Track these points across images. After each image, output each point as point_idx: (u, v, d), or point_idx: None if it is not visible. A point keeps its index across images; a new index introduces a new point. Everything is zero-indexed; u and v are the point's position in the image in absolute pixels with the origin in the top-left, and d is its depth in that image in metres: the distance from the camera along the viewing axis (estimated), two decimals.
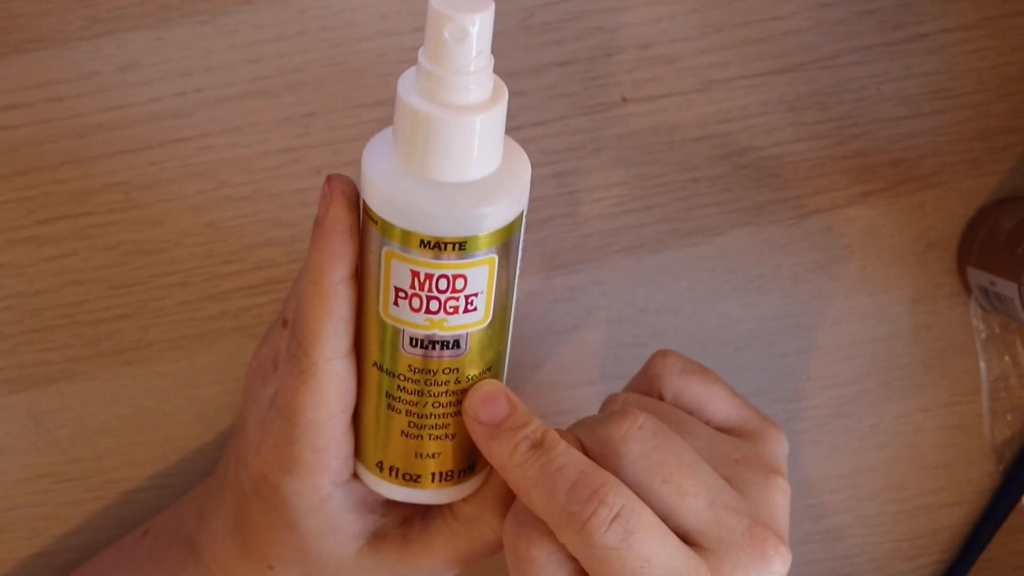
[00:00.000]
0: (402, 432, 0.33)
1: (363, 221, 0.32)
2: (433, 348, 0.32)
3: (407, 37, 0.44)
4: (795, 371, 0.47)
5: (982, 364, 0.47)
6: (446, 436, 0.34)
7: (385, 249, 0.31)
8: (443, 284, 0.31)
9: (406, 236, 0.30)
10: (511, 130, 0.45)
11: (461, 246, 0.30)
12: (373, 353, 0.33)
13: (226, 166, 0.44)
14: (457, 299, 0.31)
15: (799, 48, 0.45)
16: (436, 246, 0.30)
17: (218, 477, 0.40)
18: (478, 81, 0.29)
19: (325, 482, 0.34)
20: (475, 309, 0.32)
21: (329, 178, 0.32)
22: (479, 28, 0.28)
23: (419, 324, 0.32)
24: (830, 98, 0.45)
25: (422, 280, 0.31)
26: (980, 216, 0.46)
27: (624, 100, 0.45)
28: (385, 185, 0.30)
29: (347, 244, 0.31)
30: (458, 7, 0.28)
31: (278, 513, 0.35)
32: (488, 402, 0.32)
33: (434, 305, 0.31)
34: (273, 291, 0.44)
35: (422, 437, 0.33)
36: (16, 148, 0.43)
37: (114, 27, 0.43)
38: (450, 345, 0.32)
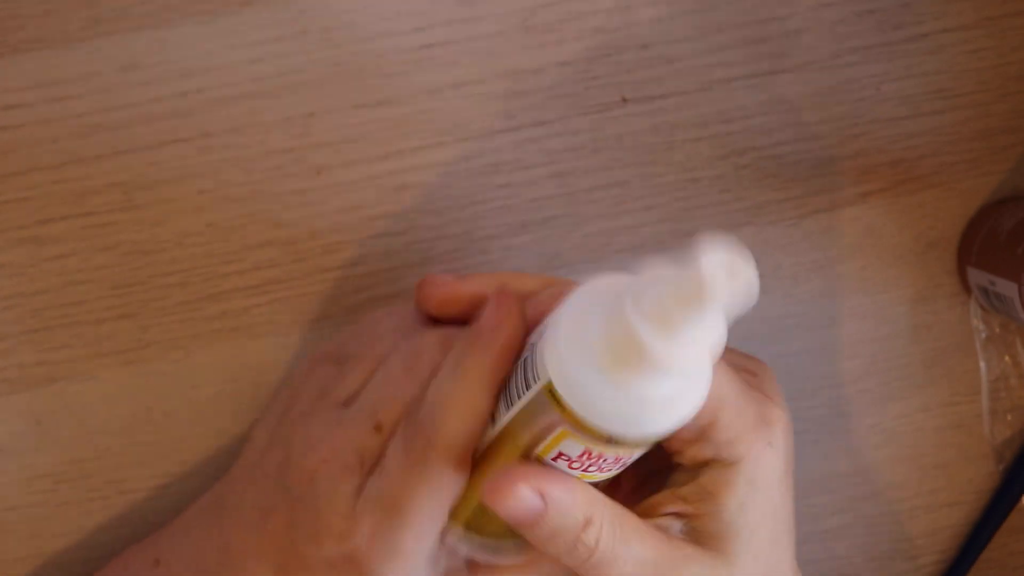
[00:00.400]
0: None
1: (533, 381, 0.31)
2: None
3: (407, 37, 0.44)
4: (795, 371, 0.47)
5: (982, 364, 0.47)
6: None
7: (561, 428, 0.31)
8: (610, 461, 0.32)
9: (592, 431, 0.30)
10: (511, 130, 0.45)
11: (639, 443, 0.31)
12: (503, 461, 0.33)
13: (226, 166, 0.44)
14: (613, 467, 0.32)
15: (799, 48, 0.45)
16: (618, 443, 0.31)
17: (239, 510, 0.39)
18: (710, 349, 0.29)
19: (421, 561, 0.34)
20: (620, 468, 0.33)
21: (506, 295, 0.32)
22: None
23: (569, 472, 0.32)
24: (830, 98, 0.45)
25: (593, 456, 0.31)
26: (980, 216, 0.46)
27: (624, 100, 0.45)
28: (589, 392, 0.30)
29: (509, 363, 0.32)
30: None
31: None
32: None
33: (592, 468, 0.32)
34: (273, 291, 0.44)
35: None
36: (16, 148, 0.43)
37: (115, 27, 0.43)
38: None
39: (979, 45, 0.46)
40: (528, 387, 0.31)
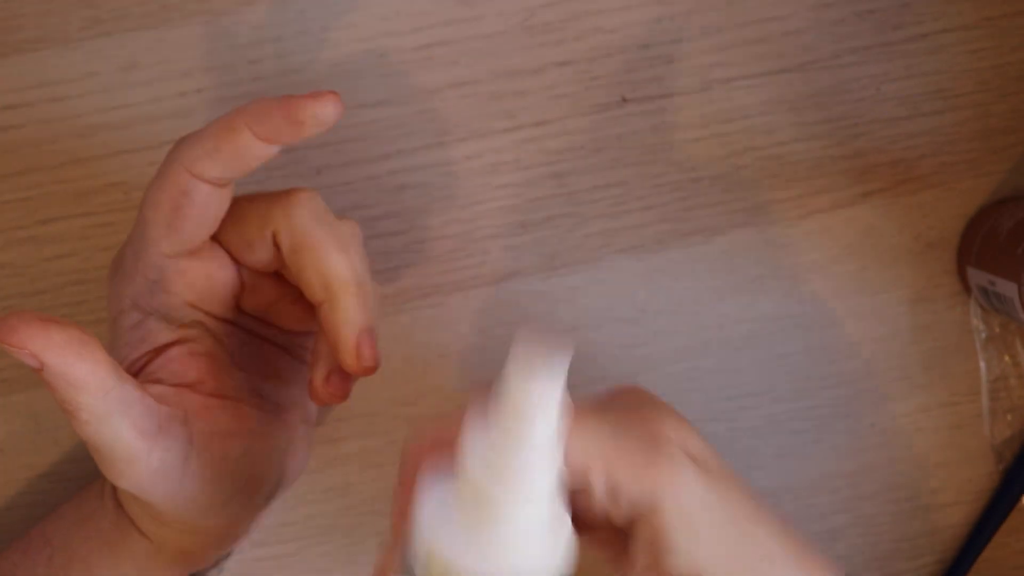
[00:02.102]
0: None
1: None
2: None
3: (407, 37, 0.44)
4: (795, 371, 0.47)
5: (982, 364, 0.47)
6: None
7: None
8: None
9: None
10: (511, 130, 0.45)
11: None
12: None
13: None
14: None
15: (799, 48, 0.45)
16: None
17: None
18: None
19: (126, 290, 0.36)
20: None
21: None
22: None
23: None
24: (830, 98, 0.46)
25: None
26: (980, 216, 0.46)
27: (624, 100, 0.45)
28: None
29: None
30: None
31: None
32: None
33: None
34: None
35: None
36: (16, 148, 0.43)
37: (115, 27, 0.43)
38: None
39: (979, 45, 0.46)
40: None
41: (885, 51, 0.45)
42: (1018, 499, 0.48)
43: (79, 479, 0.45)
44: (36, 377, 0.44)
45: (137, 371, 0.37)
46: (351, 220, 0.36)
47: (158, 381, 0.36)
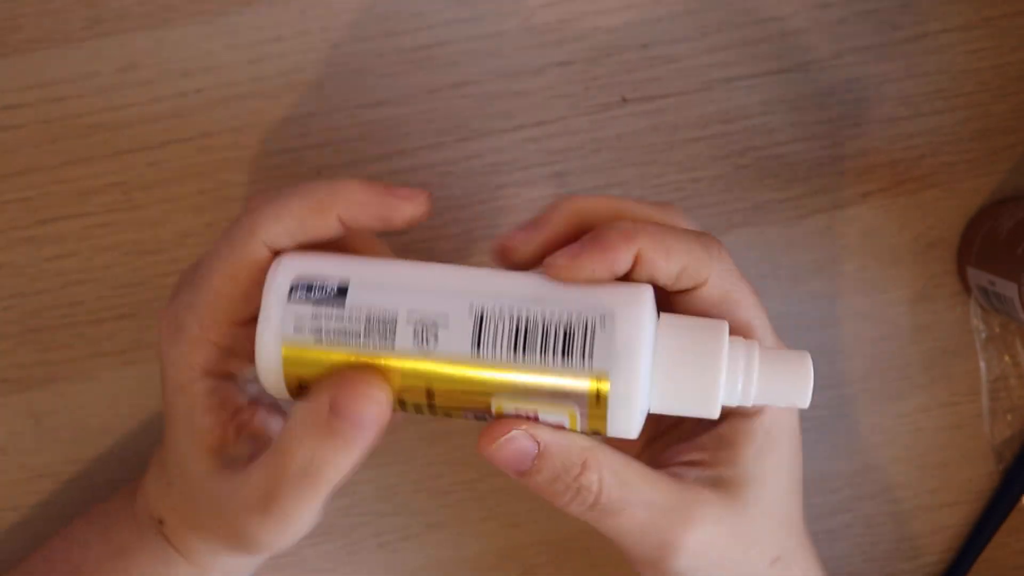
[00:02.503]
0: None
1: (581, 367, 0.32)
2: None
3: (407, 37, 0.44)
4: None
5: (982, 364, 0.47)
6: None
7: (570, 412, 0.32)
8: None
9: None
10: (512, 130, 0.45)
11: None
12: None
13: (226, 166, 0.44)
14: None
15: (799, 48, 0.45)
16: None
17: None
18: None
19: (195, 359, 0.35)
20: None
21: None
22: None
23: None
24: (830, 98, 0.46)
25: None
26: (980, 216, 0.46)
27: (624, 100, 0.45)
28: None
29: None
30: None
31: (166, 405, 0.36)
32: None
33: None
34: None
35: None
36: (16, 148, 0.43)
37: (115, 27, 0.43)
38: None
39: (979, 45, 0.46)
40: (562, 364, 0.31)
41: (885, 51, 0.45)
42: (1018, 499, 0.48)
43: (79, 479, 0.45)
44: (36, 377, 0.44)
45: (228, 434, 0.36)
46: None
47: (259, 437, 0.37)
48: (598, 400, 0.31)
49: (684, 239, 0.33)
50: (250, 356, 0.33)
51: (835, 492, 0.48)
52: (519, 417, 0.32)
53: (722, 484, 0.34)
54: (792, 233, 0.46)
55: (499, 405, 0.32)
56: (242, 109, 0.43)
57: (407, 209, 0.34)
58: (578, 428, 0.32)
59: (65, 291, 0.44)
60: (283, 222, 0.33)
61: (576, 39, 0.44)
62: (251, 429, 0.36)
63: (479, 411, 0.32)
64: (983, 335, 0.47)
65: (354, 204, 0.33)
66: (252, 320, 0.34)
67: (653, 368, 0.31)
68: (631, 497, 0.32)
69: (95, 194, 0.43)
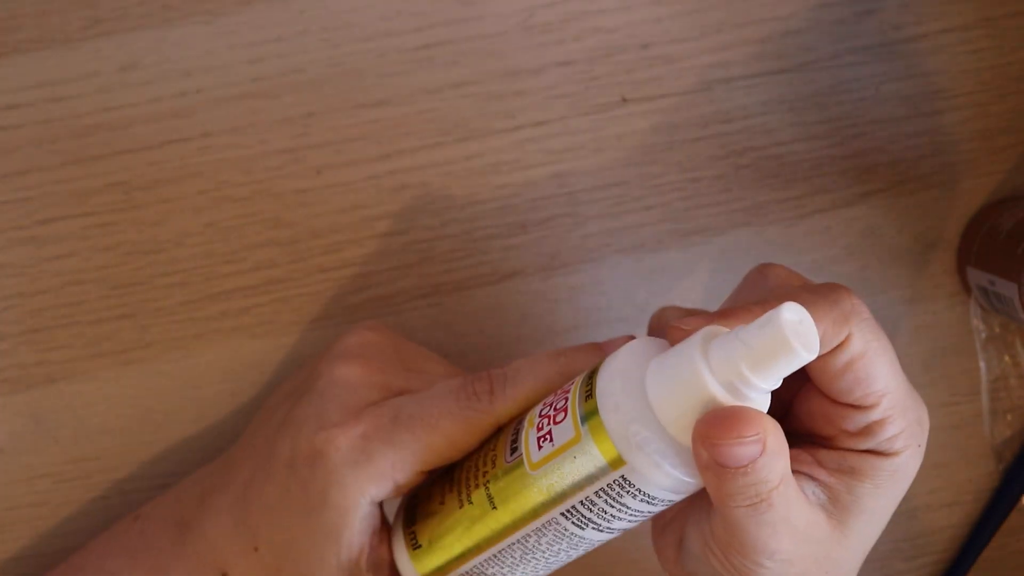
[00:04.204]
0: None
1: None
2: None
3: (407, 37, 0.44)
4: None
5: (982, 364, 0.47)
6: None
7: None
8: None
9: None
10: (512, 130, 0.45)
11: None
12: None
13: (226, 166, 0.44)
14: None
15: (799, 48, 0.45)
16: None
17: (231, 455, 0.41)
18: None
19: (370, 490, 0.35)
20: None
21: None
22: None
23: None
24: (830, 98, 0.46)
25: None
26: (980, 216, 0.46)
27: (624, 100, 0.45)
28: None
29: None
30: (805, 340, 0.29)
31: (305, 496, 0.36)
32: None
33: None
34: (273, 291, 0.44)
35: None
36: (16, 148, 0.43)
37: (115, 27, 0.43)
38: None
39: (979, 45, 0.46)
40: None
41: (885, 51, 0.45)
42: (1018, 499, 0.48)
43: (79, 479, 0.45)
44: (36, 377, 0.44)
45: (366, 553, 0.37)
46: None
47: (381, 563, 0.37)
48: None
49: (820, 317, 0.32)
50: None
51: None
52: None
53: (831, 508, 0.33)
54: (792, 233, 0.46)
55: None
56: (242, 109, 0.43)
57: None
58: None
59: (65, 291, 0.44)
60: (507, 405, 0.35)
61: (576, 39, 0.44)
62: (379, 552, 0.37)
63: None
64: (983, 335, 0.47)
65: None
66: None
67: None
68: (788, 513, 0.32)
69: (95, 194, 0.43)
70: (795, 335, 0.28)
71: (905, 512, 0.48)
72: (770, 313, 0.28)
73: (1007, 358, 0.48)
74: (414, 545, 0.35)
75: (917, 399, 0.35)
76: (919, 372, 0.47)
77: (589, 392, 0.31)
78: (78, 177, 0.43)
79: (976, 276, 0.45)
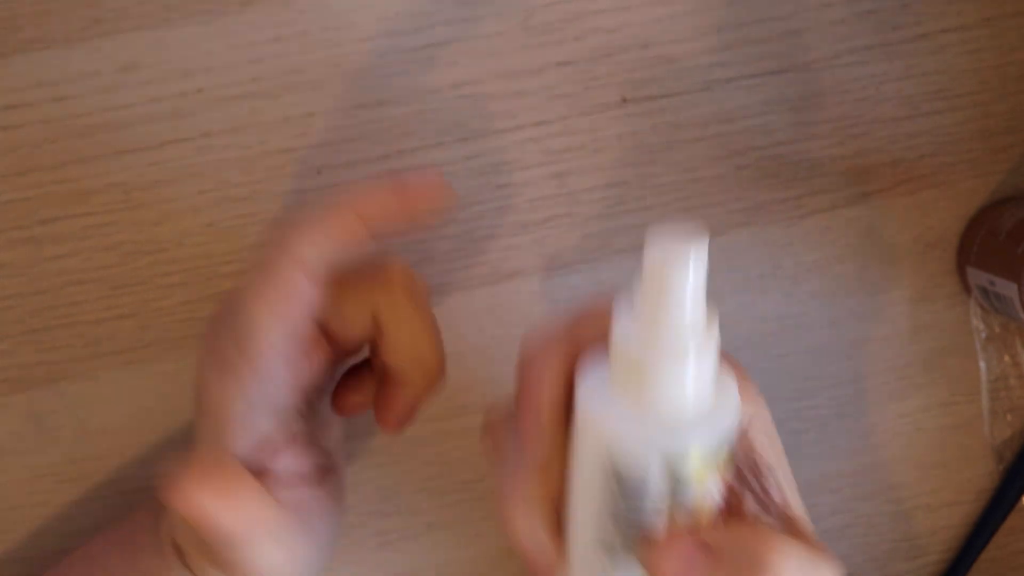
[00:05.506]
0: None
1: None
2: None
3: (407, 37, 0.44)
4: (795, 371, 0.47)
5: (982, 364, 0.47)
6: None
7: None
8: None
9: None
10: (512, 130, 0.45)
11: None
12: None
13: (226, 166, 0.44)
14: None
15: (799, 48, 0.45)
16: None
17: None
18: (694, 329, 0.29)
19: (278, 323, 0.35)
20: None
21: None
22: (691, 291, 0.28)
23: None
24: (830, 98, 0.46)
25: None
26: (980, 216, 0.46)
27: (624, 100, 0.45)
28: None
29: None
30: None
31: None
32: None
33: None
34: None
35: None
36: (17, 148, 0.43)
37: (115, 27, 0.43)
38: None
39: (979, 45, 0.46)
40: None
41: (885, 51, 0.45)
42: (1018, 499, 0.48)
43: (79, 479, 0.45)
44: (36, 377, 0.44)
45: (251, 463, 0.37)
46: (411, 271, 0.37)
47: (267, 473, 0.37)
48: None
49: None
50: (282, 377, 0.36)
51: (835, 492, 0.48)
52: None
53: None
54: (792, 233, 0.46)
55: None
56: (242, 109, 0.43)
57: (426, 202, 0.35)
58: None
59: (65, 291, 0.44)
60: (317, 244, 0.35)
61: (576, 39, 0.44)
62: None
63: None
64: (983, 335, 0.47)
65: (376, 217, 0.35)
66: (289, 344, 0.35)
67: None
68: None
69: (95, 194, 0.43)
70: None
71: (905, 512, 0.48)
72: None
73: (1007, 358, 0.48)
74: None
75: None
76: (919, 372, 0.47)
77: None
78: (78, 177, 0.43)
79: (976, 276, 0.45)
